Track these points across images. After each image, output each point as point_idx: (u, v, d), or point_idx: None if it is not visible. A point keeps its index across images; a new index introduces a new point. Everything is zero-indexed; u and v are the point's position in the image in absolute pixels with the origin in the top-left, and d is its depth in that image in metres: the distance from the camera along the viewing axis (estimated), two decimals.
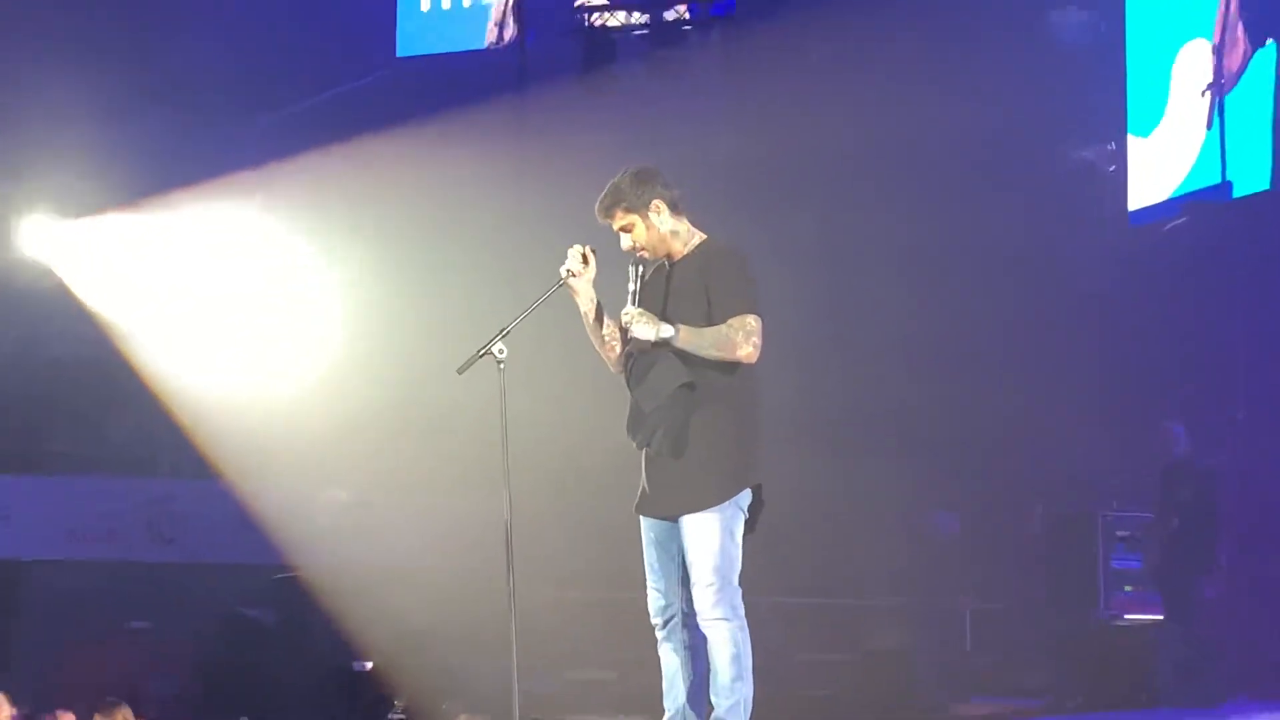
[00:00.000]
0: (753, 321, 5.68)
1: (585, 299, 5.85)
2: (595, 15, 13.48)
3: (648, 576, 5.88)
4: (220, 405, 13.17)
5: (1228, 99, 11.36)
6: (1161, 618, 10.64)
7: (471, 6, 15.31)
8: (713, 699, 5.71)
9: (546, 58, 13.60)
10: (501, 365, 5.81)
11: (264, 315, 13.48)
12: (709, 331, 5.67)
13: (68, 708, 10.10)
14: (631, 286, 5.77)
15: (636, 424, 5.79)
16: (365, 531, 12.70)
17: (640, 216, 5.80)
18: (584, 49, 13.36)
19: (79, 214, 13.65)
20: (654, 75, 13.04)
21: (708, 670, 5.74)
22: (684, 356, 5.67)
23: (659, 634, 5.93)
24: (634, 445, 5.83)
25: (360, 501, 13.15)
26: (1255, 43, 11.14)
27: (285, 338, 13.34)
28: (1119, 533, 11.08)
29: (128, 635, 14.48)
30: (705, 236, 5.92)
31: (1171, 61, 11.91)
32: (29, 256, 13.79)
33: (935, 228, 12.14)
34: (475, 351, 5.79)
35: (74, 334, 14.34)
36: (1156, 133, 12.03)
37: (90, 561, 14.50)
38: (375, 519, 12.81)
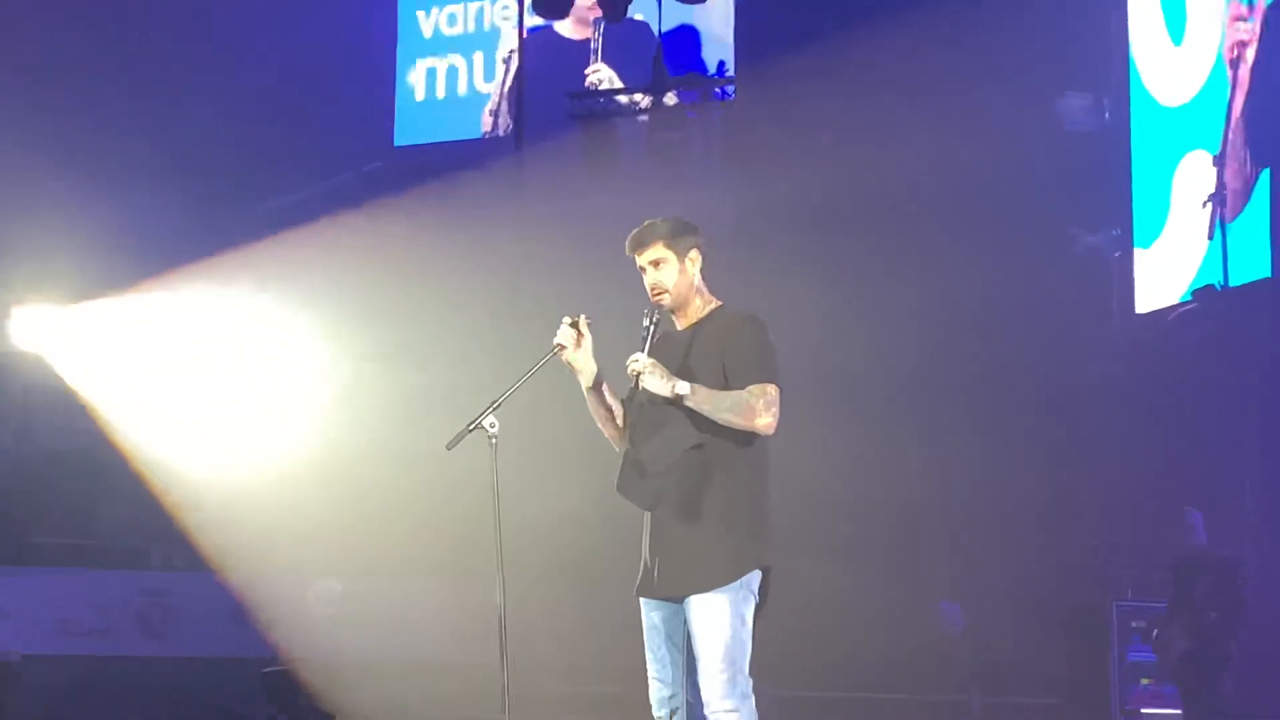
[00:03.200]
0: (773, 390, 5.41)
1: (584, 374, 5.59)
2: (593, 100, 13.33)
3: (649, 664, 5.57)
4: (211, 494, 12.81)
5: (1232, 217, 11.14)
6: (1180, 712, 10.25)
7: (467, 95, 15.19)
8: None
9: (544, 143, 13.40)
10: (493, 440, 5.51)
11: (255, 401, 13.15)
12: (728, 395, 5.38)
13: None
14: (645, 333, 5.47)
15: (636, 484, 5.47)
16: (359, 622, 12.31)
17: (677, 256, 5.57)
18: (581, 134, 13.14)
19: (72, 300, 13.37)
20: (654, 159, 12.84)
21: None
22: (695, 418, 5.37)
23: None
24: (634, 504, 5.50)
25: (353, 591, 12.77)
26: (1259, 162, 10.91)
27: (277, 423, 12.99)
28: (1134, 623, 10.71)
29: None
30: (720, 303, 5.68)
31: (1173, 172, 11.69)
32: (22, 346, 13.52)
33: (939, 312, 11.84)
34: (465, 426, 5.50)
35: (68, 425, 14.09)
36: (1158, 244, 11.82)
37: (82, 656, 14.05)
38: (368, 608, 12.50)
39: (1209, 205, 11.22)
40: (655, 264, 5.57)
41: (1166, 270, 11.72)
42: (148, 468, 13.20)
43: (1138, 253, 11.99)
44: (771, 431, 5.40)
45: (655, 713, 5.56)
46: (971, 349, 11.94)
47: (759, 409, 5.35)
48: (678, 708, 5.48)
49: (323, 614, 12.53)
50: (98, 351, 13.51)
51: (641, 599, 5.55)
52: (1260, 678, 10.48)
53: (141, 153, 13.98)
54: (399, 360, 12.67)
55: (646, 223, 5.63)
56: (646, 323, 5.49)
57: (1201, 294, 11.29)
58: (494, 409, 5.51)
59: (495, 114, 14.89)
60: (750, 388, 5.38)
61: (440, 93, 15.35)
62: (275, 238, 12.86)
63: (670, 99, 12.92)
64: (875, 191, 11.78)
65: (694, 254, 5.60)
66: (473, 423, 5.50)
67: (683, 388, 5.32)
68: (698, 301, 5.62)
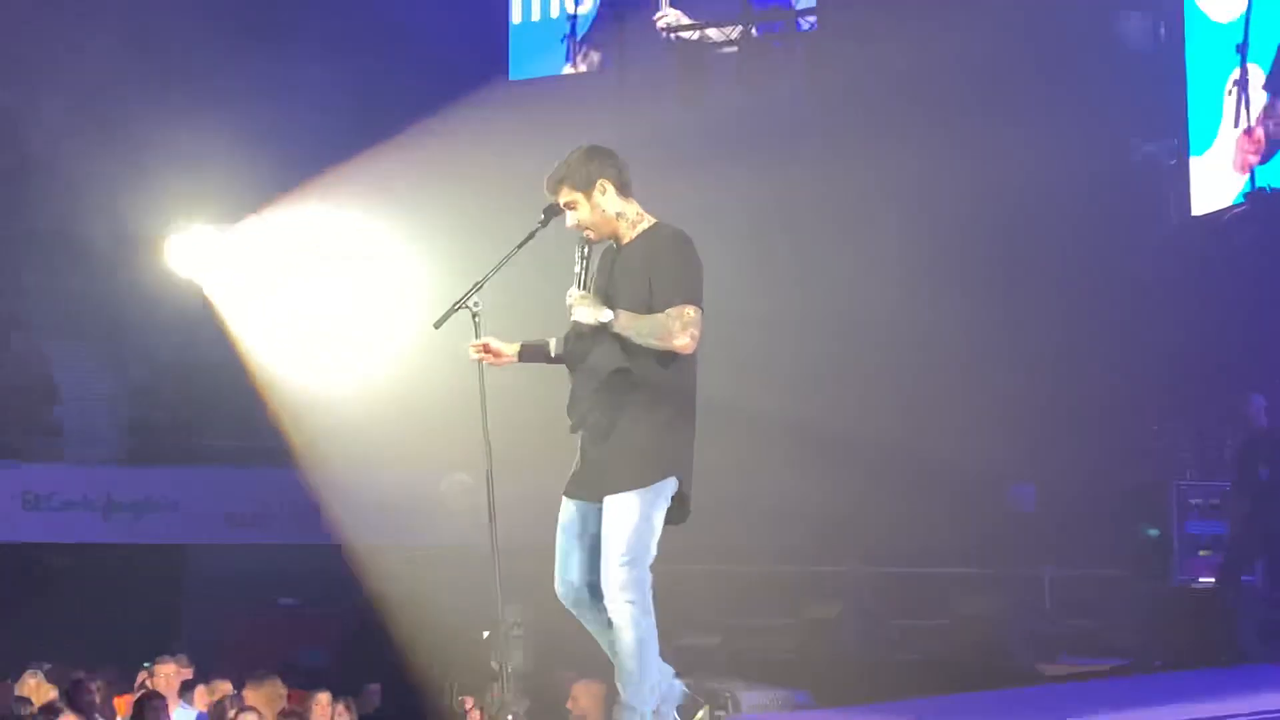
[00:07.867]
0: (691, 312, 5.18)
1: (512, 358, 5.45)
2: (687, 33, 13.19)
3: (556, 562, 5.42)
4: (357, 400, 13.05)
5: None
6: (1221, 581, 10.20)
7: (559, 16, 14.91)
8: (619, 686, 5.27)
9: (643, 75, 13.30)
10: (476, 318, 5.37)
11: (391, 310, 13.12)
12: (647, 319, 5.19)
13: (225, 677, 9.99)
14: (577, 269, 5.26)
15: (573, 406, 5.35)
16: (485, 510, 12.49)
17: (584, 195, 5.26)
18: (678, 65, 13.03)
19: (216, 225, 13.74)
20: (743, 87, 12.61)
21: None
22: (622, 342, 5.21)
23: (573, 611, 5.47)
24: (569, 427, 5.41)
25: (480, 484, 12.94)
26: None
27: (408, 333, 12.66)
28: (1193, 500, 10.73)
29: (278, 612, 14.74)
30: (655, 221, 5.37)
31: (1224, 84, 11.56)
32: (178, 269, 13.98)
33: (1006, 208, 11.73)
34: (450, 305, 5.36)
35: (223, 338, 14.41)
36: (1211, 152, 11.71)
37: (245, 545, 14.74)
38: (494, 498, 12.60)
39: (1258, 117, 11.09)
40: (569, 206, 5.31)
41: (1220, 176, 11.64)
42: (291, 378, 13.51)
43: (1193, 160, 11.94)
44: (690, 351, 5.22)
45: (562, 600, 5.42)
46: (1040, 245, 11.89)
47: (675, 330, 5.15)
48: (583, 598, 5.34)
49: (455, 504, 12.61)
50: (235, 271, 13.83)
51: (564, 498, 5.43)
52: None
53: (272, 87, 14.09)
54: (514, 276, 12.69)
55: (558, 164, 5.34)
56: (578, 255, 5.29)
57: (1254, 196, 11.17)
58: (477, 289, 5.36)
59: (588, 44, 14.53)
60: (669, 310, 5.17)
61: (535, 15, 14.97)
62: (395, 157, 12.89)
63: (757, 33, 12.76)
64: (944, 90, 11.69)
65: (601, 184, 5.26)
66: (458, 302, 5.37)
67: (605, 315, 5.17)
68: (623, 225, 5.31)
